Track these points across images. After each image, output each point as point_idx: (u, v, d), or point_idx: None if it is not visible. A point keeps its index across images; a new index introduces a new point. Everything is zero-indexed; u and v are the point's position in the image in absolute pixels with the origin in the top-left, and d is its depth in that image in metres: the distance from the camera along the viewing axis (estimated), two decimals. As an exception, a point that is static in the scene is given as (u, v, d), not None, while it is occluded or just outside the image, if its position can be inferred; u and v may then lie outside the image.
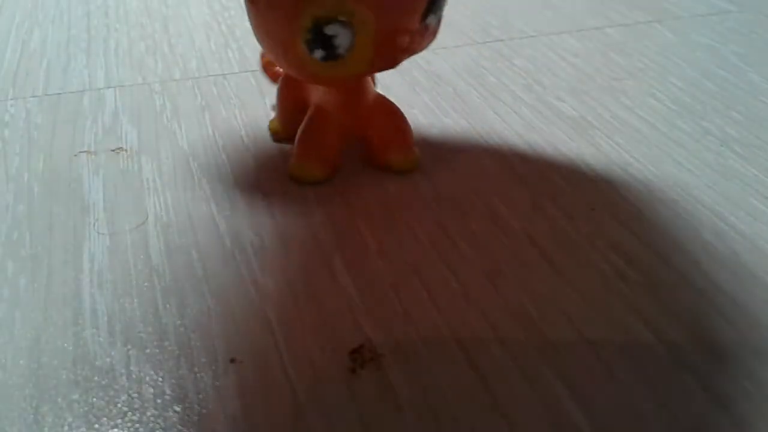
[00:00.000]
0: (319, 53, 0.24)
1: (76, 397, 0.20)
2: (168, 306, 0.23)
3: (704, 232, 0.26)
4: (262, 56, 0.32)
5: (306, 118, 0.28)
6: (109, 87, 0.37)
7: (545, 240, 0.26)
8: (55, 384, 0.20)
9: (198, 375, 0.20)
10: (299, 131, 0.28)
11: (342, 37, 0.24)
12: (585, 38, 0.42)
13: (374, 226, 0.26)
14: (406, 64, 0.39)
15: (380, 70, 0.26)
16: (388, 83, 0.36)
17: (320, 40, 0.24)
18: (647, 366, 0.21)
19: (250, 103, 0.34)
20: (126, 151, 0.31)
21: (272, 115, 0.33)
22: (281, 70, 0.31)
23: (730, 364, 0.21)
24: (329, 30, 0.23)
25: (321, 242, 0.25)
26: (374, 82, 0.31)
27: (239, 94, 0.35)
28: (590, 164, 0.30)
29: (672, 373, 0.20)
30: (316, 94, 0.28)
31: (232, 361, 0.21)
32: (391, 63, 0.26)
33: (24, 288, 0.24)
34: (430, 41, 0.27)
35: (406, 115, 0.29)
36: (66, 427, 0.19)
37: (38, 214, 0.27)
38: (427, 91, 0.36)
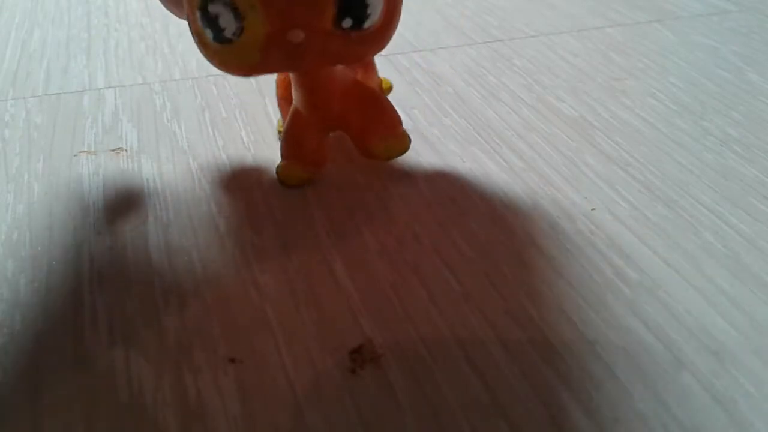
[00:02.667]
0: (209, 33, 0.23)
1: (75, 397, 0.20)
2: (168, 306, 0.23)
3: (704, 232, 0.26)
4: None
5: (286, 121, 0.28)
6: (109, 87, 0.37)
7: (545, 240, 0.26)
8: (55, 384, 0.20)
9: (198, 375, 0.20)
10: (282, 134, 0.28)
11: (225, 19, 0.22)
12: (585, 38, 0.42)
13: (374, 226, 0.26)
14: (406, 63, 0.39)
15: (279, 68, 0.24)
16: (388, 83, 0.36)
17: (207, 18, 0.22)
18: (647, 366, 0.21)
19: (250, 103, 0.34)
20: (126, 151, 0.31)
21: (272, 115, 0.33)
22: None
23: (730, 364, 0.21)
24: (212, 8, 0.22)
25: (321, 242, 0.25)
26: (370, 72, 0.31)
27: (239, 94, 0.35)
28: (590, 164, 0.30)
29: (672, 373, 0.20)
30: (294, 96, 0.28)
31: (232, 361, 0.21)
32: (289, 62, 0.23)
33: (24, 288, 0.24)
34: (367, 50, 0.24)
35: (390, 101, 0.28)
36: (65, 428, 0.19)
37: (38, 214, 0.27)
38: (427, 91, 0.36)
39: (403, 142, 0.28)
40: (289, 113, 0.28)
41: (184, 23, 0.24)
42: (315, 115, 0.27)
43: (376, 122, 0.28)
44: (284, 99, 0.31)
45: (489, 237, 0.26)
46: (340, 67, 0.27)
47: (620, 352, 0.21)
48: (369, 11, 0.22)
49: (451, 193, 0.28)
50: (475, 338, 0.21)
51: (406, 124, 0.33)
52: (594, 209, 0.27)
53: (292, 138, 0.28)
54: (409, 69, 0.38)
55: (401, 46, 0.41)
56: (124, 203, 0.28)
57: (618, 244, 0.25)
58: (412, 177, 0.29)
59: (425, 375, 0.20)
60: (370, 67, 0.32)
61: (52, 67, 0.39)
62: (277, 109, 0.33)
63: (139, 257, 0.25)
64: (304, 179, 0.28)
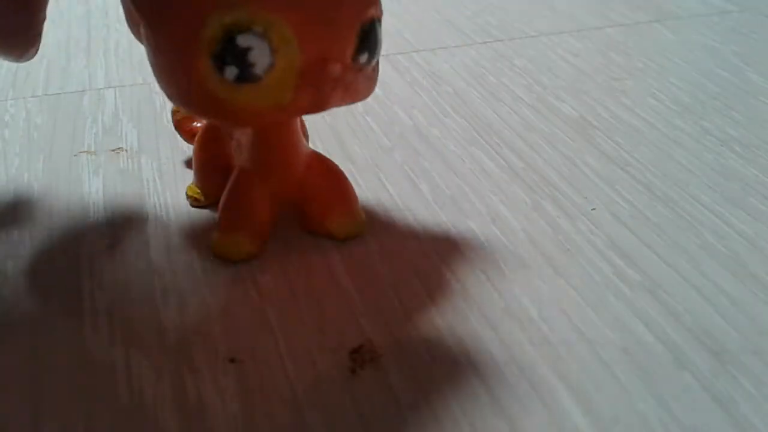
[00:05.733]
0: (231, 72, 0.19)
1: (75, 397, 0.20)
2: (168, 306, 0.23)
3: (704, 232, 0.26)
4: (174, 113, 0.29)
5: (229, 183, 0.24)
6: (109, 87, 0.37)
7: (545, 240, 0.26)
8: (55, 384, 0.20)
9: (198, 375, 0.20)
10: (222, 200, 0.25)
11: (258, 52, 0.19)
12: (585, 38, 0.42)
13: (374, 226, 0.26)
14: (406, 63, 0.39)
15: (308, 108, 0.21)
16: (388, 83, 0.36)
17: (232, 53, 0.19)
18: (647, 366, 0.21)
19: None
20: (126, 151, 0.31)
21: None
22: (198, 125, 0.27)
23: (730, 364, 0.21)
24: (242, 41, 0.19)
25: (321, 242, 0.25)
26: (306, 137, 0.27)
27: (239, 94, 0.35)
28: (590, 164, 0.30)
29: (672, 373, 0.20)
30: (239, 155, 0.25)
31: (232, 361, 0.21)
32: (319, 100, 0.21)
33: (24, 288, 0.24)
34: (367, 89, 0.22)
35: (347, 174, 0.26)
36: (65, 428, 0.19)
37: (38, 214, 0.27)
38: (427, 91, 0.36)
39: (361, 222, 0.26)
40: (233, 178, 0.24)
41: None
42: (272, 177, 0.24)
43: (336, 199, 0.25)
44: (207, 160, 0.26)
45: (489, 237, 0.26)
46: (299, 132, 0.25)
47: (620, 352, 0.21)
48: (378, 47, 0.22)
49: (451, 193, 0.28)
50: (476, 338, 0.21)
51: (406, 123, 0.33)
52: (594, 209, 0.27)
53: (237, 204, 0.24)
54: (409, 69, 0.38)
55: (401, 46, 0.41)
56: (124, 203, 0.28)
57: (618, 244, 0.25)
58: (412, 177, 0.29)
59: (425, 375, 0.20)
60: (305, 132, 0.28)
61: (52, 67, 0.39)
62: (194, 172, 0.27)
63: (139, 257, 0.25)
64: (253, 254, 0.24)
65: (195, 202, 0.27)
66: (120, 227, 0.26)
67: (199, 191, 0.27)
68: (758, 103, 0.35)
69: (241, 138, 0.24)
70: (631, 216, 0.27)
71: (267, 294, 0.23)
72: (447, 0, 0.47)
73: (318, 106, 0.21)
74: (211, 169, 0.26)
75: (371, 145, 0.31)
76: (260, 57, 0.19)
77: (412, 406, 0.19)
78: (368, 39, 0.21)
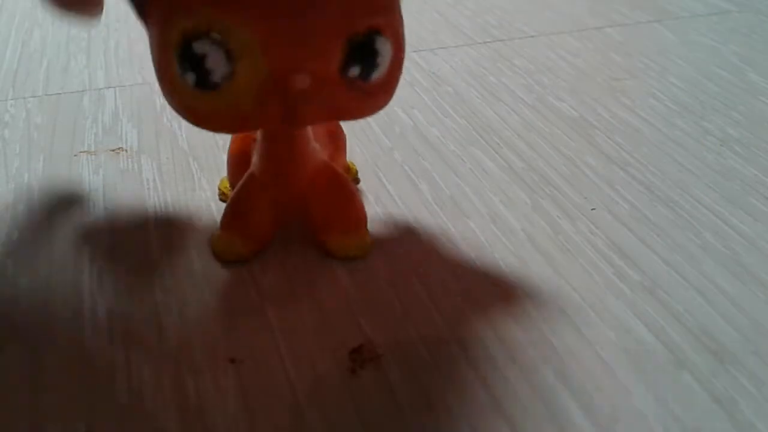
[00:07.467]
0: (191, 77, 0.19)
1: (75, 397, 0.20)
2: (168, 306, 0.23)
3: (704, 232, 0.26)
4: None
5: (238, 185, 0.24)
6: (109, 87, 0.37)
7: (545, 240, 0.26)
8: (55, 384, 0.20)
9: (198, 375, 0.20)
10: (228, 200, 0.25)
11: (214, 59, 0.18)
12: (585, 38, 0.42)
13: (374, 226, 0.26)
14: (406, 63, 0.39)
15: (279, 121, 0.20)
16: (388, 83, 0.36)
17: (189, 59, 0.19)
18: (647, 366, 0.21)
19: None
20: (126, 151, 0.31)
21: None
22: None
23: (730, 364, 0.21)
24: (198, 47, 0.18)
25: (321, 242, 0.25)
26: (341, 148, 0.26)
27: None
28: (590, 164, 0.30)
29: (672, 373, 0.20)
30: (254, 158, 0.24)
31: (232, 361, 0.21)
32: (290, 114, 0.19)
33: (24, 288, 0.24)
34: (364, 106, 0.21)
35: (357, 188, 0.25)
36: (65, 428, 0.19)
37: (38, 214, 0.27)
38: (427, 91, 0.36)
39: (364, 244, 0.25)
40: (242, 181, 0.24)
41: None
42: (275, 186, 0.24)
43: (339, 215, 0.24)
44: (237, 155, 0.26)
45: (489, 237, 0.26)
46: (314, 143, 0.24)
47: (620, 352, 0.21)
48: (378, 60, 0.20)
49: (451, 193, 0.28)
50: (475, 338, 0.21)
51: (406, 123, 0.33)
52: (594, 209, 0.27)
53: (238, 206, 0.24)
54: (409, 69, 0.38)
55: (401, 46, 0.41)
56: (124, 203, 0.28)
57: (618, 244, 0.25)
58: (412, 177, 0.29)
59: (425, 375, 0.20)
60: (342, 146, 0.27)
61: (52, 67, 0.39)
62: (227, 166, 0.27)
63: (140, 257, 0.25)
64: (244, 256, 0.24)
65: (222, 196, 0.27)
66: (120, 227, 0.26)
67: (228, 186, 0.27)
68: (758, 103, 0.35)
69: (255, 143, 0.24)
70: (631, 216, 0.27)
71: (267, 294, 0.23)
72: (447, 0, 0.47)
73: (290, 121, 0.20)
74: (240, 165, 0.25)
75: (371, 145, 0.31)
76: (217, 64, 0.19)
77: (412, 406, 0.19)
78: (361, 52, 0.19)
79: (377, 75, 0.20)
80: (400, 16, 0.21)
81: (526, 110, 0.34)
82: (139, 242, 0.25)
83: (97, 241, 0.26)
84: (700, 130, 0.32)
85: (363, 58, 0.19)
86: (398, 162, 0.30)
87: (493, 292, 0.23)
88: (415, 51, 0.40)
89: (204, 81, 0.19)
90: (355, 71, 0.19)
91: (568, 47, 0.40)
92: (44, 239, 0.26)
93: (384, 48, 0.20)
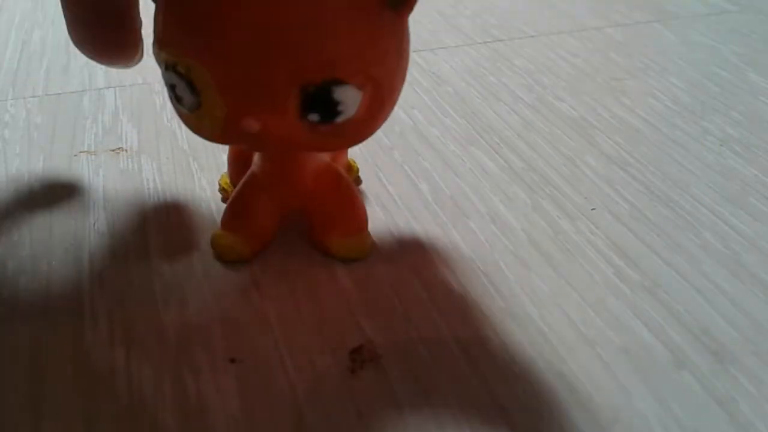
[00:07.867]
0: (172, 96, 0.21)
1: (75, 397, 0.20)
2: (168, 306, 0.23)
3: (704, 232, 0.26)
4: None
5: (239, 184, 0.25)
6: (109, 87, 0.37)
7: (545, 240, 0.26)
8: (55, 384, 0.20)
9: (198, 375, 0.20)
10: (229, 199, 0.25)
11: (180, 89, 0.20)
12: (585, 38, 0.42)
13: (374, 226, 0.26)
14: (406, 64, 0.39)
15: (248, 148, 0.22)
16: (388, 83, 0.36)
17: (168, 83, 0.20)
18: (647, 366, 0.21)
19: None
20: (126, 151, 0.31)
21: None
22: None
23: (730, 364, 0.21)
24: (167, 77, 0.20)
25: (321, 242, 0.25)
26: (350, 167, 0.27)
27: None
28: (590, 164, 0.30)
29: (672, 373, 0.20)
30: (255, 157, 0.25)
31: (232, 361, 0.21)
32: (256, 147, 0.21)
33: (24, 288, 0.24)
34: (342, 143, 0.22)
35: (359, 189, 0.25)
36: (65, 428, 0.19)
37: (38, 214, 0.27)
38: (427, 91, 0.36)
39: (364, 246, 0.25)
40: (243, 180, 0.24)
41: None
42: (276, 186, 0.24)
43: (341, 218, 0.25)
44: (238, 155, 0.26)
45: (489, 237, 0.26)
46: None
47: (620, 352, 0.21)
48: (340, 108, 0.19)
49: (451, 193, 0.28)
50: (475, 338, 0.21)
51: (406, 123, 0.33)
52: (594, 209, 0.27)
53: (239, 206, 0.24)
54: (409, 69, 0.38)
55: (401, 46, 0.41)
56: (124, 203, 0.28)
57: (618, 244, 0.25)
58: (412, 177, 0.29)
59: (425, 375, 0.20)
60: None
61: (52, 67, 0.39)
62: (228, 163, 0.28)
63: (139, 257, 0.25)
64: (245, 256, 0.24)
65: (223, 192, 0.28)
66: (120, 227, 0.26)
67: (228, 182, 0.27)
68: (758, 103, 0.35)
69: None
70: (631, 216, 0.27)
71: (267, 294, 0.23)
72: (447, 0, 0.47)
73: (254, 149, 0.22)
74: (241, 165, 0.25)
75: (371, 144, 0.31)
76: (184, 95, 0.20)
77: (412, 406, 0.19)
78: (317, 101, 0.19)
79: (344, 118, 0.20)
80: (397, 61, 0.22)
81: (526, 110, 0.34)
82: (139, 242, 0.25)
83: (97, 241, 0.26)
84: (700, 130, 0.32)
85: (320, 107, 0.19)
86: (398, 162, 0.30)
87: (494, 292, 0.23)
88: (415, 51, 0.40)
89: (180, 104, 0.21)
90: (314, 117, 0.20)
91: (568, 47, 0.40)
92: (44, 239, 0.26)
93: (346, 96, 0.19)
